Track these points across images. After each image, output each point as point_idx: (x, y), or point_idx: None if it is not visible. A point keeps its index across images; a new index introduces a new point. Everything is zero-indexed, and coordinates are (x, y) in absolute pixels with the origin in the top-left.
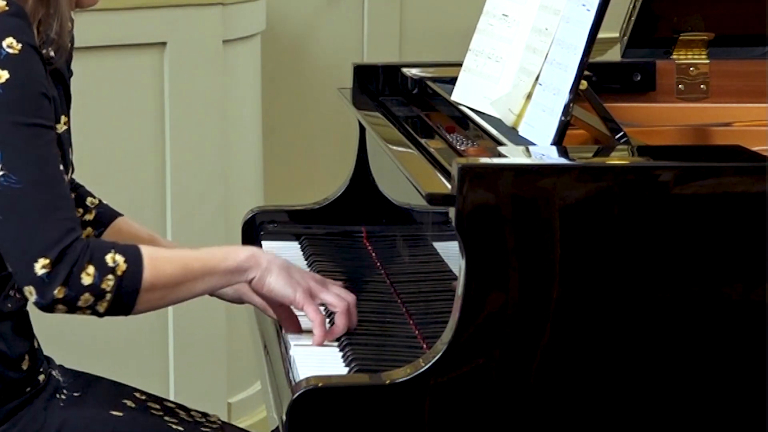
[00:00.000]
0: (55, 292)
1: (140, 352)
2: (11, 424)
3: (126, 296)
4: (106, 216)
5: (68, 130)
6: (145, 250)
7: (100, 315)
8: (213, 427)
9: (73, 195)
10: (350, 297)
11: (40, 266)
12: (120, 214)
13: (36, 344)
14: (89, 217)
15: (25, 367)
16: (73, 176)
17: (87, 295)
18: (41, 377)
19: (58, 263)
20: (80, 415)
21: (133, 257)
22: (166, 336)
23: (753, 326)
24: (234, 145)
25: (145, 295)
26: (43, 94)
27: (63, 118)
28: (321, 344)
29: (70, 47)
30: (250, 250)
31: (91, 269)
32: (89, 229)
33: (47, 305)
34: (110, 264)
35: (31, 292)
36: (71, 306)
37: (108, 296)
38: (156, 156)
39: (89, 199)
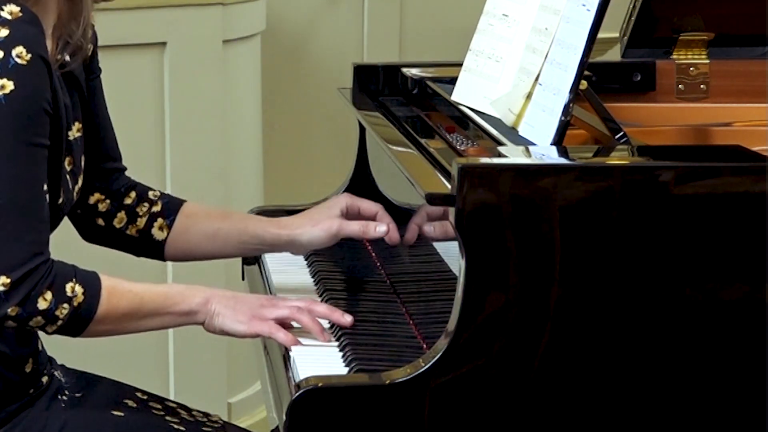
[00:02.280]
0: (9, 310)
1: (140, 352)
2: (13, 425)
3: (76, 325)
4: (172, 204)
5: (81, 137)
6: (105, 283)
7: (48, 334)
8: (214, 427)
9: (133, 194)
10: (303, 303)
11: (0, 284)
12: (183, 200)
13: (40, 346)
14: (156, 209)
15: (28, 369)
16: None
17: (39, 318)
18: (44, 379)
19: (18, 285)
20: (82, 416)
21: (92, 290)
22: (166, 336)
23: (753, 326)
24: (234, 145)
25: (95, 326)
26: (44, 110)
27: (76, 125)
28: (293, 344)
29: (93, 48)
30: (205, 294)
31: (48, 295)
32: (161, 220)
33: None
34: (68, 294)
35: None
36: (21, 324)
37: (59, 322)
38: (156, 156)
39: (151, 192)
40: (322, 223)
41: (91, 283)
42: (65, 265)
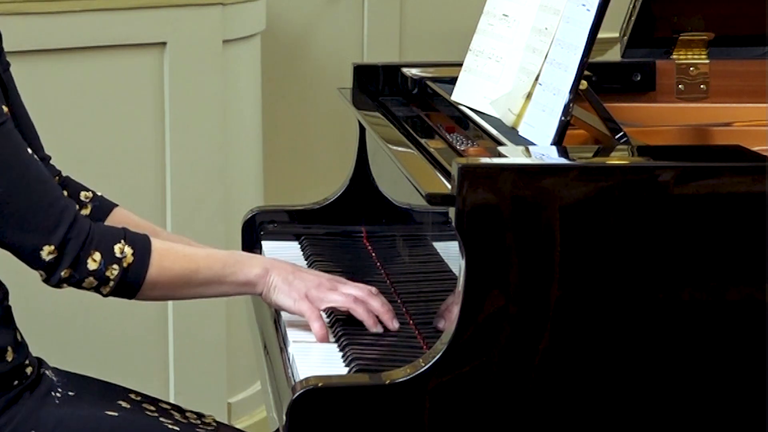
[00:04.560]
0: (62, 273)
1: (140, 352)
2: (5, 423)
3: (129, 286)
4: (103, 208)
5: (9, 120)
6: (156, 245)
7: (104, 296)
8: (208, 429)
9: (64, 193)
10: (361, 292)
11: (47, 253)
12: (115, 204)
13: (19, 337)
14: (86, 211)
15: (9, 358)
16: (68, 175)
17: (91, 278)
18: (28, 370)
19: (63, 247)
20: (76, 415)
21: (142, 251)
22: (166, 336)
23: (753, 326)
24: (234, 145)
25: (148, 290)
26: None
27: (4, 108)
28: (324, 340)
29: None
30: (264, 265)
31: (97, 256)
32: None
33: (55, 285)
34: (117, 254)
35: (41, 274)
36: (76, 285)
37: (111, 283)
38: (156, 156)
39: (83, 194)
40: None
41: (142, 244)
42: (115, 227)
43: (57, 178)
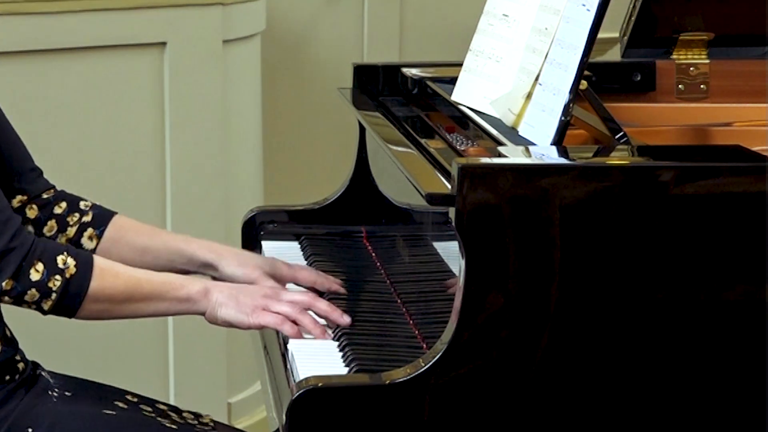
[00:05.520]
0: (3, 284)
1: (140, 352)
2: (1, 420)
3: (70, 299)
4: (103, 215)
5: None
6: (98, 261)
7: (44, 312)
8: (206, 429)
9: (63, 204)
10: (306, 297)
11: None
12: (115, 212)
13: (8, 333)
14: (87, 219)
15: None
16: (63, 189)
17: (33, 290)
18: (20, 365)
19: (5, 255)
20: (73, 413)
21: (84, 264)
22: (166, 336)
23: (753, 326)
24: (234, 145)
25: (90, 304)
26: None
27: None
28: (299, 337)
29: None
30: (205, 284)
31: (40, 266)
32: (90, 230)
33: None
34: (60, 265)
35: None
36: (17, 299)
37: (53, 296)
38: (156, 156)
39: (82, 203)
40: (246, 268)
41: (84, 258)
42: (55, 242)
43: (51, 191)
